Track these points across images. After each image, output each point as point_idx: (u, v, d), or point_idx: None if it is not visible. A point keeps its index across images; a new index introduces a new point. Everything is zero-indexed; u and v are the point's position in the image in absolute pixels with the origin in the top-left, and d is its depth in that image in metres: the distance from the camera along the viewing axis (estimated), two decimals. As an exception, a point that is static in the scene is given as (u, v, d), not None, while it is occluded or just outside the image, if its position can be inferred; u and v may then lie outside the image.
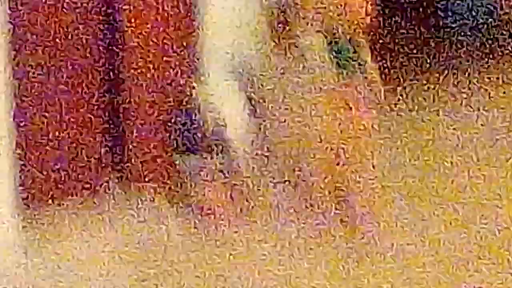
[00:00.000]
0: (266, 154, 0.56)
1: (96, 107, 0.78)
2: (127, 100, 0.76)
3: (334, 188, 0.56)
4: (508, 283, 0.93)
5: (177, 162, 0.47)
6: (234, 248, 0.70)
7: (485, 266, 1.04)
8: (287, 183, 0.73)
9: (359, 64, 0.48)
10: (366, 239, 0.82)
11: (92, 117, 0.71)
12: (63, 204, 0.75)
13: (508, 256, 1.03)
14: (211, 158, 0.46)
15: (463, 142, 2.01)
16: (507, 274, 0.91)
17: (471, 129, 2.17)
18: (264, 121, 0.53)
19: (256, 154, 0.52)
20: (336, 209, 0.59)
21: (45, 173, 0.76)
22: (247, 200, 0.52)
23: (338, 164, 0.66)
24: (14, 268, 0.74)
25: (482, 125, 2.34)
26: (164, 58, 0.95)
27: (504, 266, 1.00)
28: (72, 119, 0.76)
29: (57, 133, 0.81)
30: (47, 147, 0.74)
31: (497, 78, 2.97)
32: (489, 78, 2.91)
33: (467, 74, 2.99)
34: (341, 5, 0.43)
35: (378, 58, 0.84)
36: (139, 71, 0.92)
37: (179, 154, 0.46)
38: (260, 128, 0.50)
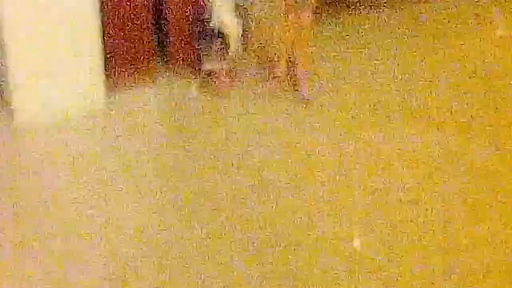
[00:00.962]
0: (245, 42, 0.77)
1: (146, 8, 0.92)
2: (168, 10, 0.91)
3: (288, 61, 0.76)
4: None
5: (198, 46, 0.68)
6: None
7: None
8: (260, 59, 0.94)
9: None
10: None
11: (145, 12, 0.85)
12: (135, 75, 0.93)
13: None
14: (216, 41, 0.67)
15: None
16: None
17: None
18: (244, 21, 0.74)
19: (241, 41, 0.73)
20: (288, 74, 0.79)
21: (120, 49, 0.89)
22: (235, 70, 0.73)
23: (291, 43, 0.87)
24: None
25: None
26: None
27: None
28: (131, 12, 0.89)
29: (127, 17, 0.92)
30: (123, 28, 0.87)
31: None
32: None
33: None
34: None
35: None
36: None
37: (199, 40, 0.67)
38: (242, 24, 0.70)
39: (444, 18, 1.32)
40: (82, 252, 0.74)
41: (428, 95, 1.04)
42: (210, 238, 0.70)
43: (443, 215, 0.83)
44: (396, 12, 1.19)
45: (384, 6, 1.16)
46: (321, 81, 0.80)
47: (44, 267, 0.72)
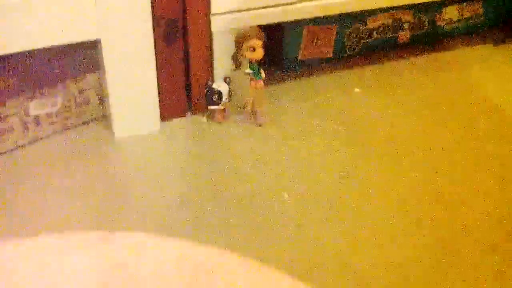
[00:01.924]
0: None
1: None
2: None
3: (252, 105, 0.97)
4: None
5: (206, 97, 0.93)
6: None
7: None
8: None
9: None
10: None
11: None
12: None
13: None
14: (215, 95, 0.90)
15: None
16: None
17: None
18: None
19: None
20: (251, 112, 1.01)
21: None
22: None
23: None
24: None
25: None
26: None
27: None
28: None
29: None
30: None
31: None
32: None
33: None
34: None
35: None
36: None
37: (206, 94, 0.91)
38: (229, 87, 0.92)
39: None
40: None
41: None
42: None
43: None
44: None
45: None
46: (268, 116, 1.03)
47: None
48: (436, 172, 0.90)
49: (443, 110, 1.05)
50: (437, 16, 1.23)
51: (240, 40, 0.95)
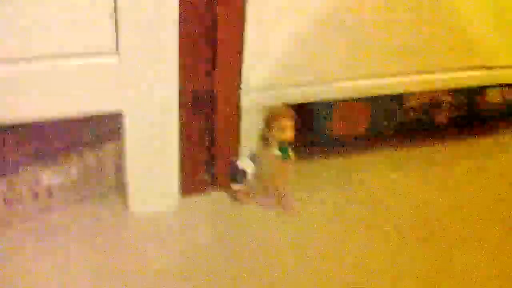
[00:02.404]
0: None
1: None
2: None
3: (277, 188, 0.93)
4: None
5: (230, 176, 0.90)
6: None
7: None
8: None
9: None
10: None
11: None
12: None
13: None
14: (240, 175, 0.88)
15: None
16: None
17: None
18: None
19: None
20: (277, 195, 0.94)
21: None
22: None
23: None
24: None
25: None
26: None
27: None
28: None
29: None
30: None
31: None
32: None
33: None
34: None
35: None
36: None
37: (231, 173, 0.88)
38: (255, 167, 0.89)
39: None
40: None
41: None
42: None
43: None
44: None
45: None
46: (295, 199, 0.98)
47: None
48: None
49: (484, 200, 0.99)
50: (478, 98, 1.17)
51: (271, 118, 0.91)
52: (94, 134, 0.92)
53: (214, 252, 0.84)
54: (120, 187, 0.93)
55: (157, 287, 0.78)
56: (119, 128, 0.87)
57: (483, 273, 0.85)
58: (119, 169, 0.93)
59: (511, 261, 0.87)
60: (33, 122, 0.80)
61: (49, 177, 0.88)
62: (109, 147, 0.92)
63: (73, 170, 0.90)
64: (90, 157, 0.91)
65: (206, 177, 0.95)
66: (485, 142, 1.16)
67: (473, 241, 0.91)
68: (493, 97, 1.19)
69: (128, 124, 0.84)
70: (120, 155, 0.91)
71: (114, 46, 0.78)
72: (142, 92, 0.83)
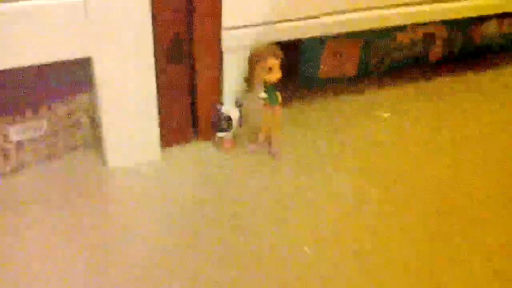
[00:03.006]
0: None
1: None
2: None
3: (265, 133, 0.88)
4: None
5: (214, 124, 0.86)
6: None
7: None
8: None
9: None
10: None
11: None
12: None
13: None
14: (224, 121, 0.85)
15: None
16: None
17: None
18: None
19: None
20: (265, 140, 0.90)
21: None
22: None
23: None
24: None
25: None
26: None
27: None
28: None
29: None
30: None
31: None
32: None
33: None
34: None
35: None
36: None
37: (215, 120, 0.85)
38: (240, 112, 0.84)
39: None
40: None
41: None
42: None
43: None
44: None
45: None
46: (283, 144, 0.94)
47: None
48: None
49: (481, 142, 0.95)
50: (474, 31, 1.12)
51: (255, 59, 0.84)
52: (65, 84, 0.86)
53: (196, 200, 0.80)
54: (97, 140, 0.89)
55: (142, 244, 0.74)
56: (91, 77, 0.81)
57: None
58: (95, 121, 0.89)
59: None
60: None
61: (17, 132, 0.83)
62: (82, 98, 0.87)
63: (44, 124, 0.84)
64: (61, 109, 0.85)
65: (189, 126, 0.90)
66: (483, 77, 1.12)
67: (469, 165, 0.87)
68: (490, 29, 1.15)
69: (99, 71, 0.78)
70: (94, 106, 0.86)
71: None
72: (112, 37, 0.76)
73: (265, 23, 0.85)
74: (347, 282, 0.68)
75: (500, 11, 1.06)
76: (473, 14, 1.03)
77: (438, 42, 1.10)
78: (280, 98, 0.86)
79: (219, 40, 0.84)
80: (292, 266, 0.70)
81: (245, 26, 0.84)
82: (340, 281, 0.68)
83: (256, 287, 0.67)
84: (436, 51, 1.11)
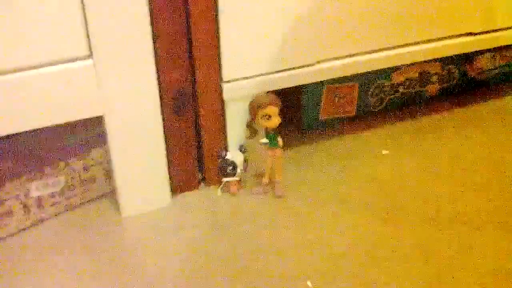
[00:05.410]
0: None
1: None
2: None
3: (269, 176, 0.90)
4: None
5: (219, 169, 0.89)
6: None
7: None
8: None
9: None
10: None
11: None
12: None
13: None
14: (230, 166, 0.87)
15: None
16: None
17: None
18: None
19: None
20: (269, 183, 0.93)
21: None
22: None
23: None
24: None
25: None
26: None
27: None
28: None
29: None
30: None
31: None
32: None
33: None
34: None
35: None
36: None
37: (220, 165, 0.87)
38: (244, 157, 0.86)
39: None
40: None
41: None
42: None
43: None
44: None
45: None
46: (288, 186, 0.96)
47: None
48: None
49: (481, 172, 0.97)
50: (468, 66, 1.16)
51: (254, 107, 0.89)
52: (80, 140, 0.91)
53: (209, 243, 0.84)
54: (113, 192, 0.93)
55: (159, 285, 0.73)
56: (104, 133, 0.86)
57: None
58: (110, 174, 0.93)
59: None
60: (14, 135, 0.80)
61: (37, 188, 0.87)
62: (97, 152, 0.92)
63: (61, 179, 0.89)
64: (77, 164, 0.90)
65: (196, 173, 0.94)
66: (479, 109, 1.14)
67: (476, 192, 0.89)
68: (484, 63, 1.18)
69: (110, 127, 0.83)
70: (108, 160, 0.90)
71: (87, 49, 0.77)
72: (121, 95, 0.82)
73: (263, 74, 0.90)
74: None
75: (492, 46, 1.09)
76: (467, 50, 1.06)
77: (434, 79, 1.14)
78: (281, 142, 0.90)
79: (220, 92, 0.88)
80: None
81: (244, 78, 0.89)
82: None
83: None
84: (432, 88, 1.15)
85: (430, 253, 0.80)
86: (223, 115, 0.91)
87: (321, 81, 0.98)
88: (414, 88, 1.13)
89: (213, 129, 0.91)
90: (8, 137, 0.79)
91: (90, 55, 0.77)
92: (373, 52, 0.97)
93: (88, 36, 0.76)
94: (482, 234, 0.82)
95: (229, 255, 0.81)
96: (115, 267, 0.79)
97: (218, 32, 0.85)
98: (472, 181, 0.94)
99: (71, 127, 0.89)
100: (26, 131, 0.78)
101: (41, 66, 0.75)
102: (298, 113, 1.05)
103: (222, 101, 0.89)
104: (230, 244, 0.83)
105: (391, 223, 0.85)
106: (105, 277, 0.77)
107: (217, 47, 0.85)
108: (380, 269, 0.77)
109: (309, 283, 0.76)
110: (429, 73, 1.12)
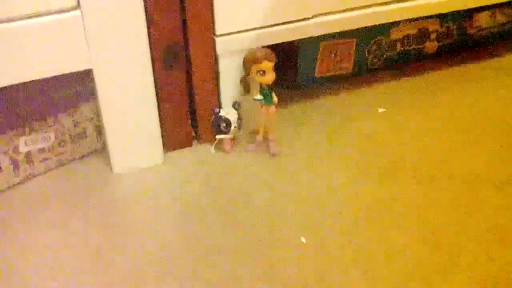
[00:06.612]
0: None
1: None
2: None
3: (263, 133, 0.89)
4: None
5: (213, 126, 0.87)
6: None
7: None
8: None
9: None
10: None
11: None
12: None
13: None
14: (223, 123, 0.86)
15: None
16: None
17: None
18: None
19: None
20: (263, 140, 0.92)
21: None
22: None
23: None
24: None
25: None
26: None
27: None
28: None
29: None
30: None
31: None
32: None
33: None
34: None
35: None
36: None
37: (214, 123, 0.85)
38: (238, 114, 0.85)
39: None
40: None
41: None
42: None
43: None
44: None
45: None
46: (282, 143, 0.95)
47: None
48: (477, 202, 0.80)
49: (478, 129, 0.96)
50: (467, 23, 1.13)
51: (249, 62, 0.86)
52: (69, 95, 0.89)
53: (202, 200, 0.82)
54: (104, 148, 0.92)
55: (149, 238, 0.76)
56: (93, 88, 0.84)
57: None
58: (100, 130, 0.91)
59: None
60: (1, 89, 0.77)
61: (26, 143, 0.86)
62: (86, 108, 0.90)
63: (51, 135, 0.87)
64: (67, 120, 0.88)
65: (189, 130, 0.92)
66: (477, 67, 1.13)
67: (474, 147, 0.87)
68: (482, 20, 1.16)
69: (99, 82, 0.81)
70: (98, 115, 0.89)
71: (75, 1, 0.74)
72: (110, 48, 0.79)
73: (257, 28, 0.88)
74: (344, 275, 0.70)
75: (492, 2, 1.07)
76: (466, 6, 1.04)
77: (433, 36, 1.11)
78: (275, 99, 0.88)
79: (213, 46, 0.86)
80: (289, 254, 0.73)
81: (238, 32, 0.86)
82: (336, 274, 0.71)
83: (252, 275, 0.70)
84: (431, 45, 1.13)
85: (425, 211, 0.79)
86: (216, 70, 0.89)
87: (317, 37, 0.96)
88: (412, 46, 1.11)
89: (206, 85, 0.89)
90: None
91: (78, 6, 0.75)
92: (371, 6, 0.95)
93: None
94: (479, 192, 0.82)
95: (222, 211, 0.80)
96: (106, 223, 0.79)
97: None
98: (469, 139, 0.93)
99: (59, 82, 0.87)
100: (13, 86, 0.77)
101: (27, 17, 0.73)
102: (293, 69, 1.04)
103: (215, 56, 0.87)
104: (223, 200, 0.82)
105: (386, 182, 0.84)
106: (97, 233, 0.77)
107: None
108: (373, 228, 0.77)
109: (303, 239, 0.76)
110: (428, 29, 1.10)
